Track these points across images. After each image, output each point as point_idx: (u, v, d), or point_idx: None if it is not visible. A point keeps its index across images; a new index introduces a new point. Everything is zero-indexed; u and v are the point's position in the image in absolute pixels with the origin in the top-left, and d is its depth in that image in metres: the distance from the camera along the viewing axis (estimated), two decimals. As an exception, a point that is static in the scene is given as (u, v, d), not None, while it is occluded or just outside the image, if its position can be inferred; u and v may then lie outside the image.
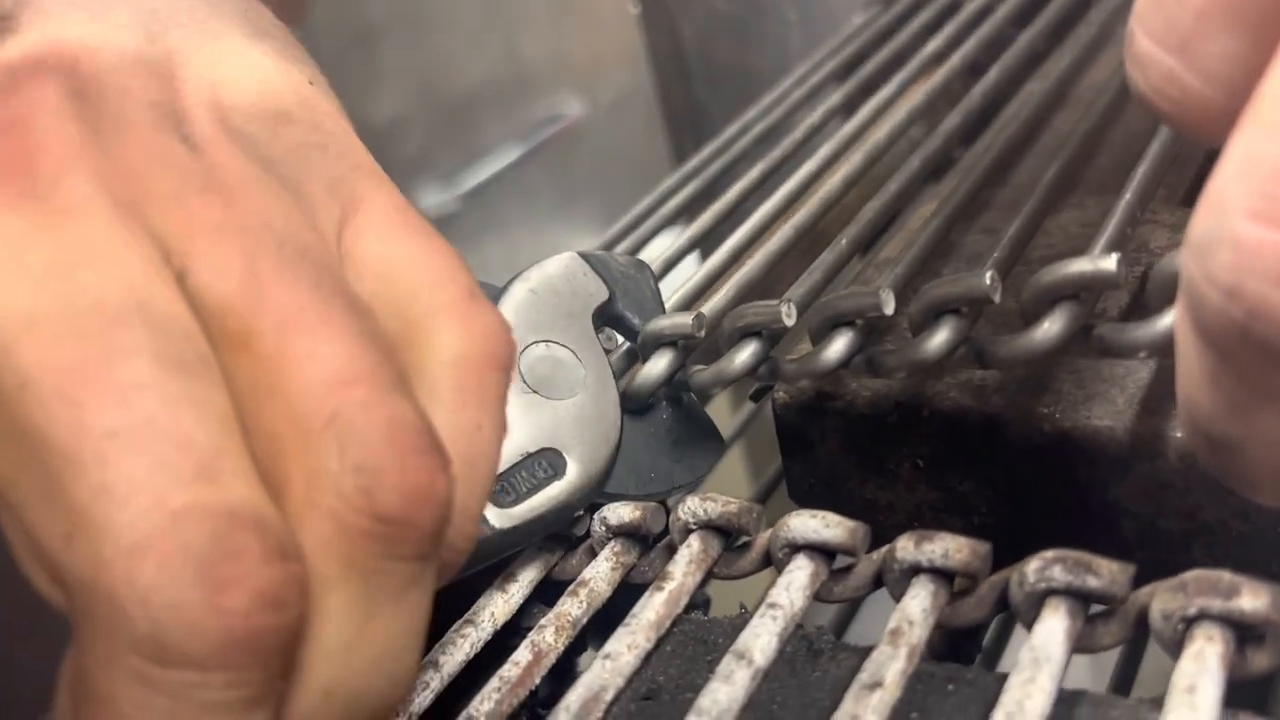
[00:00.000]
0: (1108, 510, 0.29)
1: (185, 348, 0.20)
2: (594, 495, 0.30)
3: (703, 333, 0.32)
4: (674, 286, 0.37)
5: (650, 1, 0.68)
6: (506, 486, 0.28)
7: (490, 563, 0.28)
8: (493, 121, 1.19)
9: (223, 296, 0.21)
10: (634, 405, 0.32)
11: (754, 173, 0.43)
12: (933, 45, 0.48)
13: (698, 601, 0.29)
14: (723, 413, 0.39)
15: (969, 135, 0.43)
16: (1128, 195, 0.29)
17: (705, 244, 0.41)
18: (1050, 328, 0.26)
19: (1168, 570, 0.29)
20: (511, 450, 0.29)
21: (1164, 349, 0.25)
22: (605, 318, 0.33)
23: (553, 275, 0.32)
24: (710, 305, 0.34)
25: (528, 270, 0.32)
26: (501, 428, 0.23)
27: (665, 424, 0.33)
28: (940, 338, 0.28)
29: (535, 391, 0.30)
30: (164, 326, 0.20)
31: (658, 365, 0.32)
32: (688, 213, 0.45)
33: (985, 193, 0.39)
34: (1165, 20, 0.20)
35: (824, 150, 0.41)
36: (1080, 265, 0.26)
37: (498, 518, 0.28)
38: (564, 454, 0.30)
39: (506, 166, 1.18)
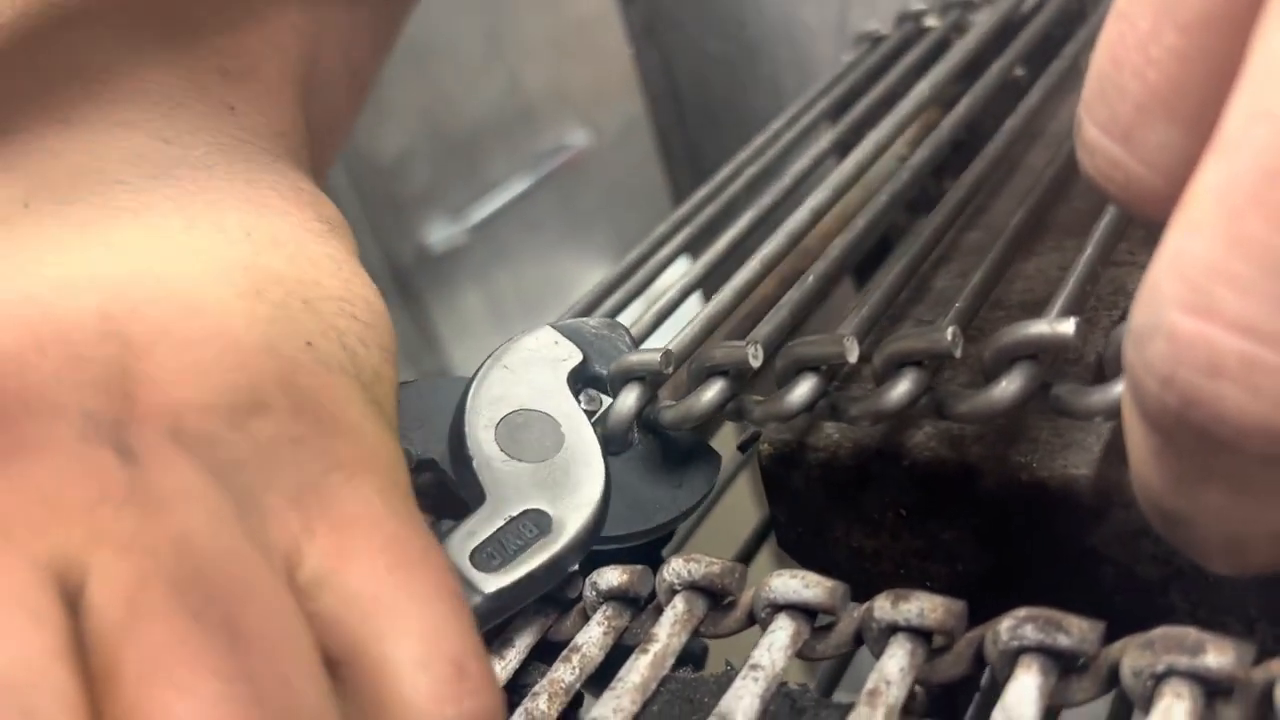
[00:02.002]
0: (1086, 557, 0.29)
1: None
2: (587, 547, 0.30)
3: (670, 369, 0.32)
4: (666, 337, 0.38)
5: (644, 42, 0.68)
6: (493, 550, 0.29)
7: (484, 630, 0.29)
8: (498, 154, 1.20)
9: (106, 625, 0.19)
10: (615, 445, 0.33)
11: (742, 222, 0.44)
12: (922, 85, 0.49)
13: (695, 649, 0.30)
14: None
15: (957, 168, 0.44)
16: (1089, 249, 0.30)
17: (705, 285, 0.42)
18: (1008, 387, 0.27)
19: (1148, 614, 0.30)
20: (495, 516, 0.30)
21: (1119, 414, 0.26)
22: (583, 379, 0.34)
23: (525, 349, 0.34)
24: (679, 342, 0.35)
25: (499, 349, 0.34)
26: None
27: (657, 453, 0.34)
28: (901, 389, 0.29)
29: (515, 458, 0.31)
30: (35, 710, 0.17)
31: (627, 400, 0.33)
32: (684, 255, 0.46)
33: (963, 233, 0.39)
34: (1109, 111, 0.21)
35: (811, 201, 0.42)
36: (1038, 327, 0.26)
37: (486, 582, 0.29)
38: (549, 511, 0.30)
39: (514, 199, 1.19)
